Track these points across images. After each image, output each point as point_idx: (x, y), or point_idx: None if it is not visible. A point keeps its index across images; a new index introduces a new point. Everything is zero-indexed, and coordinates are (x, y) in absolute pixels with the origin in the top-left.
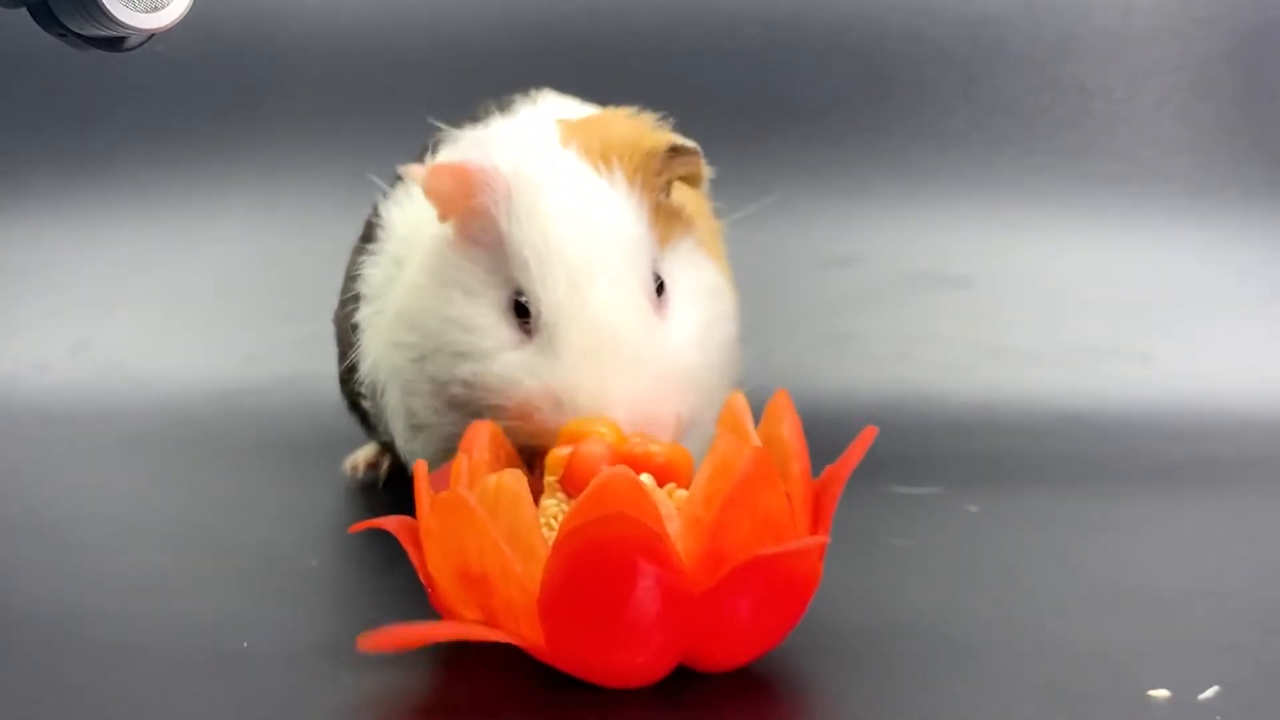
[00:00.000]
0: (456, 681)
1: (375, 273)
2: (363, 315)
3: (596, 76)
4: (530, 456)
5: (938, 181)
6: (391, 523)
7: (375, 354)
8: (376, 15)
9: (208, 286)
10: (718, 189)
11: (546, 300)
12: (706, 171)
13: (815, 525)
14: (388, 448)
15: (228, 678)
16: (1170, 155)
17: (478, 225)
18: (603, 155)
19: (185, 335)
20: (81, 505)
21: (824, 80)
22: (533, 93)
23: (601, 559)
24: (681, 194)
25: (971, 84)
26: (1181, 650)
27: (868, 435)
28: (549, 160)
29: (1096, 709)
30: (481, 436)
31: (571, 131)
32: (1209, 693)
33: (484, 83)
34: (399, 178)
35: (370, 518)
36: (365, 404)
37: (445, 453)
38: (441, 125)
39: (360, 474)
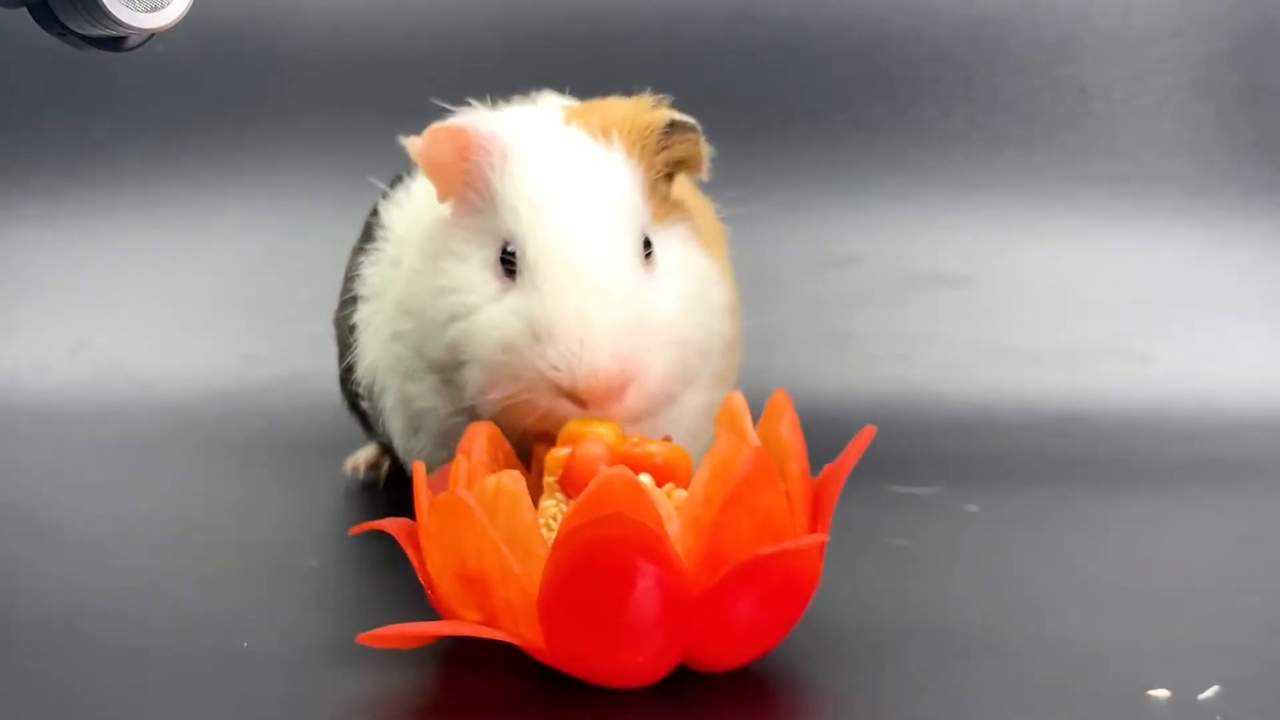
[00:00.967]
0: (456, 681)
1: (373, 273)
2: (361, 316)
3: (596, 76)
4: (523, 447)
5: (938, 181)
6: (391, 524)
7: (373, 354)
8: (376, 15)
9: (208, 286)
10: (717, 189)
11: (532, 242)
12: (707, 150)
13: (814, 524)
14: (388, 449)
15: (228, 678)
16: (1170, 155)
17: (473, 191)
18: (603, 129)
19: (185, 335)
20: (81, 505)
21: (824, 80)
22: (533, 94)
23: (601, 559)
24: (686, 195)
25: (971, 84)
26: (1181, 650)
27: (866, 435)
28: (548, 129)
29: (1096, 709)
30: (480, 438)
31: (573, 113)
32: (1209, 693)
33: (484, 83)
34: (398, 179)
35: (370, 518)
36: (365, 404)
37: (443, 450)
38: (446, 106)
39: (361, 475)
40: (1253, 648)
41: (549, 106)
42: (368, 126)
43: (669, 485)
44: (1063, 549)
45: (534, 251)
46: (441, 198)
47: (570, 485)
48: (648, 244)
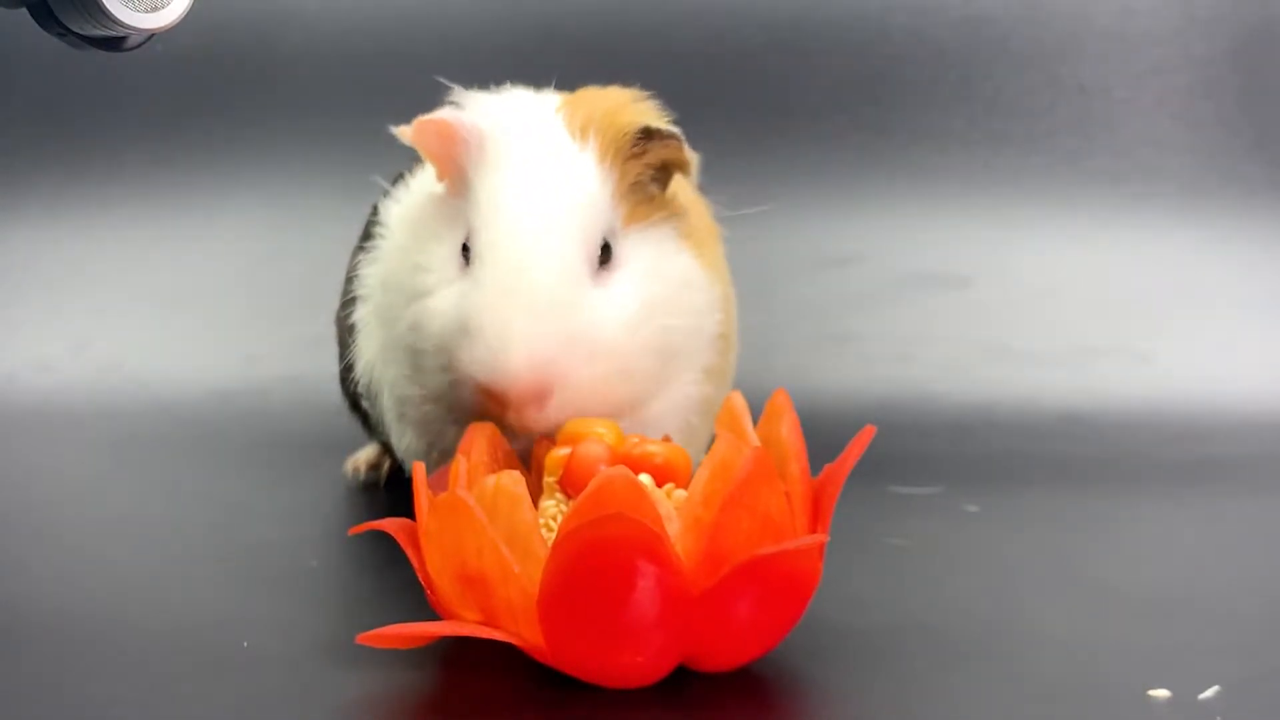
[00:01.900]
0: (456, 681)
1: (372, 272)
2: (359, 316)
3: (597, 76)
4: (518, 445)
5: (938, 181)
6: (391, 524)
7: (371, 353)
8: (376, 15)
9: (208, 286)
10: (717, 189)
11: (483, 236)
12: (692, 158)
13: (814, 524)
14: (388, 449)
15: (228, 678)
16: (1170, 155)
17: (457, 178)
18: (582, 126)
19: (185, 335)
20: (81, 505)
21: (824, 80)
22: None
23: (601, 559)
24: (683, 193)
25: (971, 84)
26: (1181, 650)
27: (866, 434)
28: (528, 122)
29: (1096, 709)
30: (480, 438)
31: (564, 103)
32: (1209, 693)
33: (484, 83)
34: (400, 176)
35: (370, 518)
36: (365, 404)
37: (423, 440)
38: (446, 83)
39: (361, 475)
40: (1253, 648)
41: (543, 96)
42: (368, 126)
43: (669, 485)
44: (1063, 549)
45: (481, 246)
46: (439, 178)
47: (570, 485)
48: (608, 249)
